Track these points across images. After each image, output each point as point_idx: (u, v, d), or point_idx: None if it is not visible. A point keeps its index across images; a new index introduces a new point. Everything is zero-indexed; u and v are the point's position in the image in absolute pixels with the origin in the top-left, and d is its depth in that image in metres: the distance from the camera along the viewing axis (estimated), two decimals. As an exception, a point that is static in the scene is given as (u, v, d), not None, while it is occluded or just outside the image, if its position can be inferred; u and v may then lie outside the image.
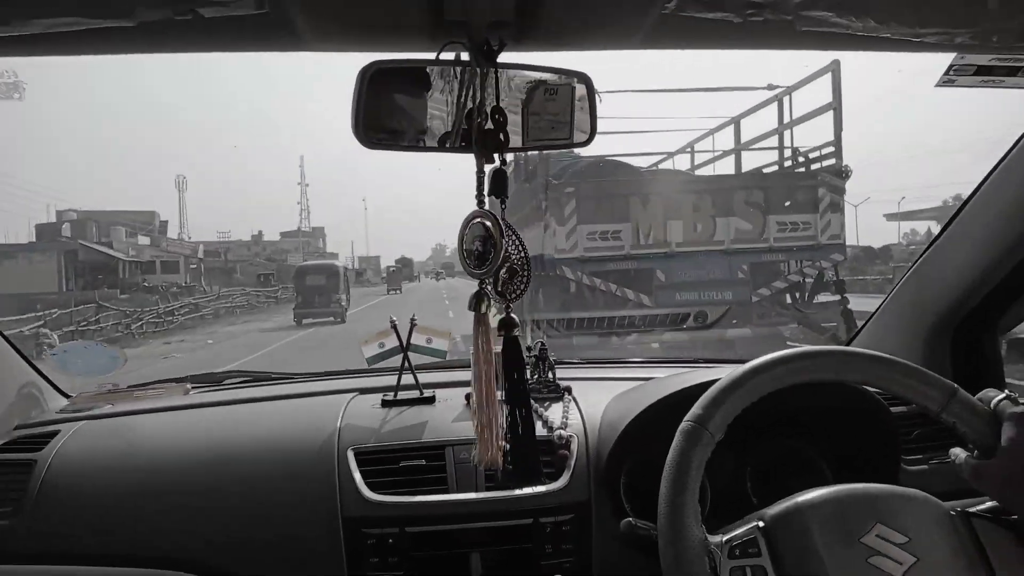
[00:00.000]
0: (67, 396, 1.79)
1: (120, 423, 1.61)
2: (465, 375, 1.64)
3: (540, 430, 1.46)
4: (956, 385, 0.95)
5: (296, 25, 0.81)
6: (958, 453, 0.97)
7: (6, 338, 1.61)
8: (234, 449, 1.47)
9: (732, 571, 0.89)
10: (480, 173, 0.94)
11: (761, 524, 0.92)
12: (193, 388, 1.86)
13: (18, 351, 1.65)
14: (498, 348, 1.07)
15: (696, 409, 0.95)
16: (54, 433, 1.51)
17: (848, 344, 1.78)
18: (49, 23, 0.71)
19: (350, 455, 1.39)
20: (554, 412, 1.52)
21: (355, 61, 0.92)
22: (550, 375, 1.66)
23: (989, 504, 0.95)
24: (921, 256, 1.59)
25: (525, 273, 1.00)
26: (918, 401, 0.97)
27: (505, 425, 1.10)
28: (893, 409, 1.36)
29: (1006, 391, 0.95)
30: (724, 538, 0.92)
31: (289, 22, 0.80)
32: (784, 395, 0.97)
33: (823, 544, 0.89)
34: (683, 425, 0.95)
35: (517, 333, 1.05)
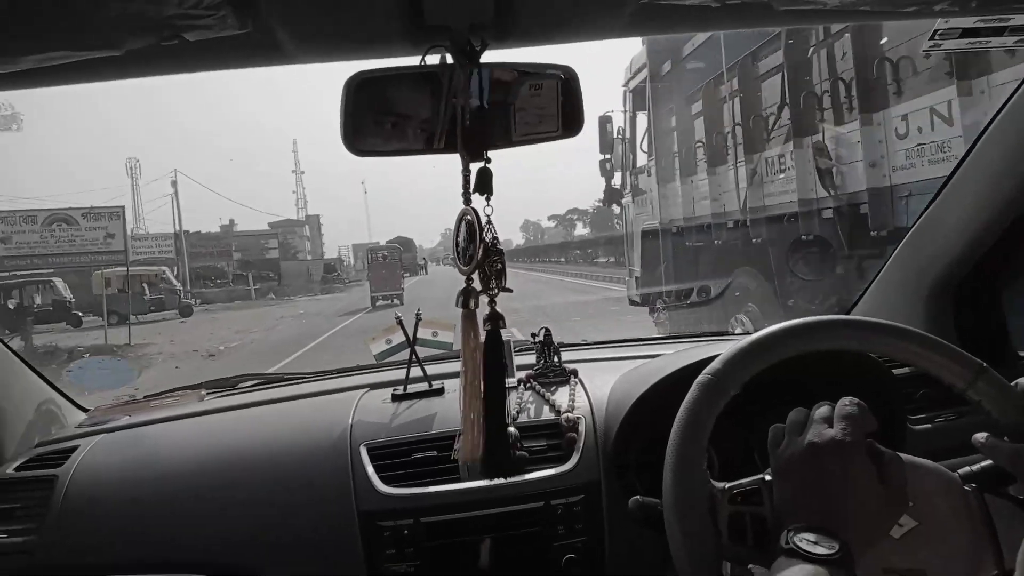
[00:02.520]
0: (85, 410, 1.82)
1: (137, 434, 1.64)
2: None
3: (547, 414, 1.50)
4: (984, 363, 0.94)
5: (280, 41, 0.82)
6: (980, 439, 0.94)
7: (22, 358, 1.64)
8: (250, 452, 1.50)
9: (731, 516, 0.90)
10: (466, 172, 0.95)
11: (767, 477, 0.93)
12: (208, 394, 1.89)
13: (34, 370, 1.69)
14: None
15: (716, 364, 0.96)
16: (74, 448, 1.55)
17: (849, 311, 1.79)
18: (40, 58, 0.73)
19: (363, 450, 1.42)
20: (561, 395, 1.55)
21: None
22: (555, 359, 1.69)
23: (983, 465, 0.95)
24: (919, 218, 1.59)
25: (502, 267, 1.01)
26: (944, 377, 0.96)
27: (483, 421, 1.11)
28: (896, 371, 1.37)
29: None
30: (727, 484, 0.93)
31: (273, 39, 0.81)
32: (789, 363, 0.97)
33: None
34: (701, 377, 0.96)
35: (502, 328, 1.06)
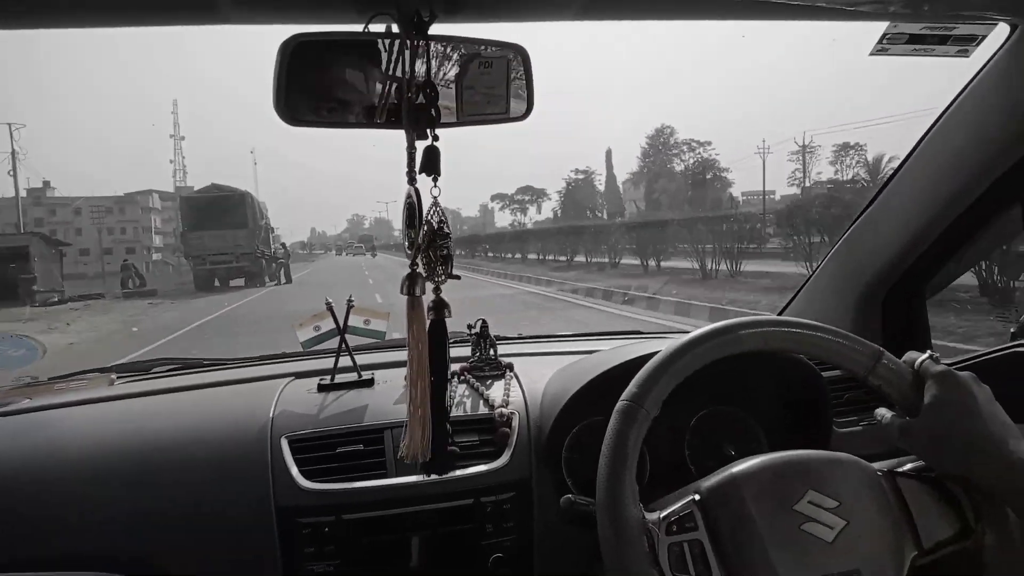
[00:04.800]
0: (-20, 391, 1.67)
1: (40, 418, 1.52)
2: (405, 355, 1.61)
3: (481, 408, 1.46)
4: (882, 349, 0.98)
5: None
6: (883, 414, 1.01)
7: None
8: (163, 441, 1.41)
9: (670, 547, 0.89)
10: (411, 149, 0.90)
11: (697, 497, 0.93)
12: (119, 378, 1.77)
13: None
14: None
15: (632, 388, 0.96)
16: None
17: (781, 312, 1.82)
18: None
19: (284, 443, 1.35)
20: (495, 390, 1.51)
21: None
22: (491, 352, 1.65)
23: (914, 463, 0.98)
24: (852, 224, 1.62)
25: (449, 253, 0.97)
26: (845, 365, 0.99)
27: (431, 416, 1.08)
28: (825, 373, 1.39)
29: (928, 352, 0.98)
30: (661, 515, 0.92)
31: None
32: (719, 362, 0.97)
33: (758, 513, 0.90)
34: (619, 404, 0.95)
35: (447, 316, 1.03)
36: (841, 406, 1.48)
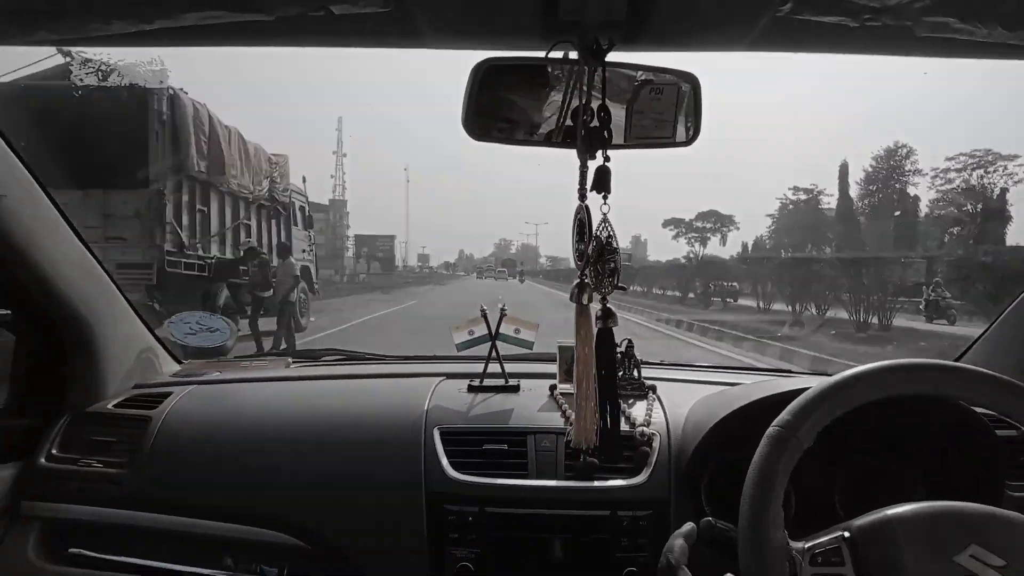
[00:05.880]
0: (180, 362, 1.93)
1: (226, 389, 1.73)
2: (549, 368, 1.68)
3: (623, 426, 1.48)
4: None
5: (418, 23, 0.86)
6: None
7: (132, 304, 1.75)
8: (329, 421, 1.55)
9: None
10: (583, 168, 0.96)
11: (847, 534, 0.89)
12: (294, 362, 1.97)
13: (141, 317, 1.79)
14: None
15: (786, 415, 0.93)
16: (167, 394, 1.64)
17: (958, 359, 1.70)
18: (198, 16, 0.78)
19: (436, 434, 1.45)
20: (638, 409, 1.54)
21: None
22: (635, 372, 1.67)
23: None
24: None
25: (616, 267, 1.02)
26: None
27: (598, 414, 1.14)
28: (1000, 432, 1.30)
29: None
30: (807, 544, 0.90)
31: (411, 20, 0.84)
32: (883, 407, 0.94)
33: (912, 560, 0.86)
34: (771, 430, 0.93)
35: (612, 325, 1.08)
36: (1016, 469, 1.37)
